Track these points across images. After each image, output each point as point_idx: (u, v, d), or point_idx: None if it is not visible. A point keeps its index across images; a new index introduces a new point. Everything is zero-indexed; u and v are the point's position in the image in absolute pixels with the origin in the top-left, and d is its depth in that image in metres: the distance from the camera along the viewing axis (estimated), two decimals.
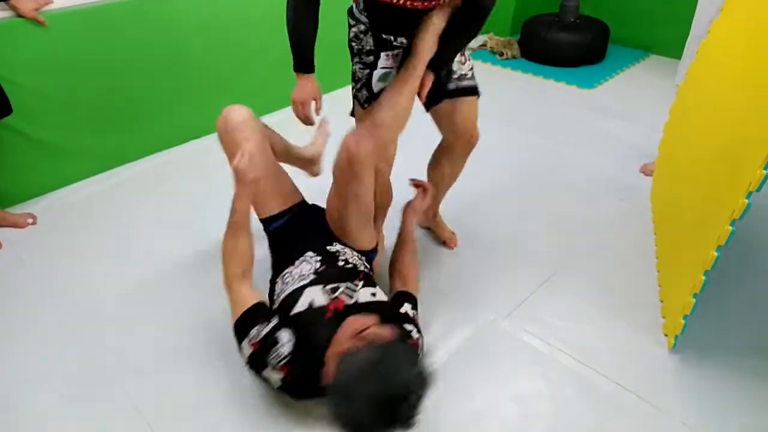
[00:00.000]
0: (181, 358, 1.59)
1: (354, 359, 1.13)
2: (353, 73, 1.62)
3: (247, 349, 1.29)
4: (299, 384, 1.30)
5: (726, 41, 1.89)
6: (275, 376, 1.28)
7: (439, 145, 1.82)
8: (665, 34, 3.71)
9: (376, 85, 1.58)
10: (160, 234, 2.09)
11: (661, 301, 1.78)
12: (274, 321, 1.31)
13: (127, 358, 1.59)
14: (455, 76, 1.63)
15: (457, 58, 1.61)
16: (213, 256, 1.95)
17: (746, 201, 1.30)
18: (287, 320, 1.32)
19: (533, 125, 2.91)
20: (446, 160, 1.81)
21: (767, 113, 1.30)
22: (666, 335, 1.66)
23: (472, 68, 1.68)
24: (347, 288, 1.40)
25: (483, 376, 1.55)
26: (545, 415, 1.45)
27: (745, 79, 1.58)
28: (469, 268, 1.94)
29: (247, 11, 2.69)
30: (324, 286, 1.39)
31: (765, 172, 1.25)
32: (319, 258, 1.47)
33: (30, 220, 2.13)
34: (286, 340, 1.27)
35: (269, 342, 1.27)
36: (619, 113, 3.02)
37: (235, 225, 1.44)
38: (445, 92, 1.63)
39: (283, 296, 1.41)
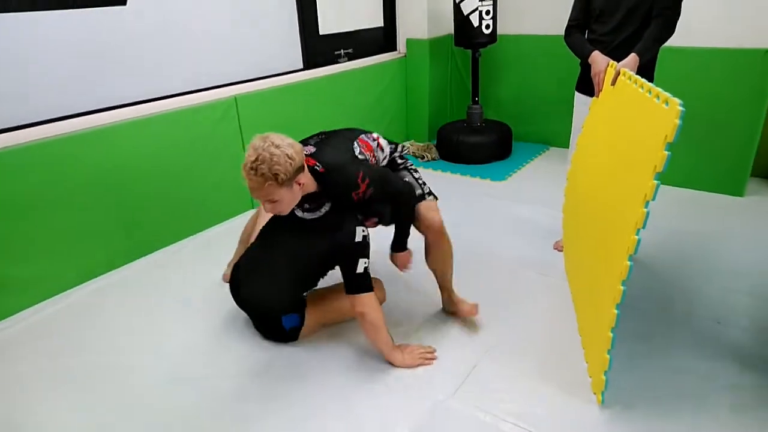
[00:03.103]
0: None
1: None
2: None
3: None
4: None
5: (592, 134, 2.29)
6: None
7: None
8: (560, 128, 4.15)
9: None
10: (114, 353, 2.09)
11: (586, 362, 1.96)
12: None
13: None
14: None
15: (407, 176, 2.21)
16: (175, 375, 1.98)
17: (628, 263, 1.55)
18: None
19: (457, 217, 3.16)
20: (429, 249, 2.19)
21: (627, 193, 1.60)
22: (594, 393, 1.82)
23: (419, 178, 2.23)
24: None
25: None
26: None
27: (610, 164, 1.92)
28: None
29: (203, 138, 2.90)
30: None
31: (637, 237, 1.52)
32: None
33: None
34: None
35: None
36: (529, 199, 3.39)
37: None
38: None
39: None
